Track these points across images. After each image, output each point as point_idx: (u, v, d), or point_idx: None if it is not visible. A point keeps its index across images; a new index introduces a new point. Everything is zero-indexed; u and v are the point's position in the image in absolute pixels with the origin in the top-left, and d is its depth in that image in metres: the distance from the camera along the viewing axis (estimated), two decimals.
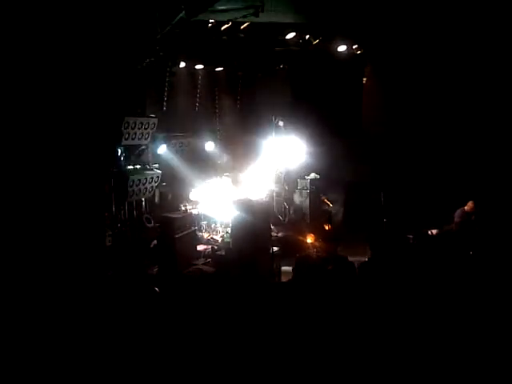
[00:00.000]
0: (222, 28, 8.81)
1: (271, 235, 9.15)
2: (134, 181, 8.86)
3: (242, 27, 8.87)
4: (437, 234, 8.56)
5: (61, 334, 3.94)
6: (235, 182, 10.98)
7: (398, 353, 3.63)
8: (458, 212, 9.28)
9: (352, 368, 3.51)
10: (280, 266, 8.03)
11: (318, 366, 3.50)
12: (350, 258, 5.42)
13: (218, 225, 10.26)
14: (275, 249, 8.28)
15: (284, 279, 7.53)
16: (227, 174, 11.23)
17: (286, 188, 11.73)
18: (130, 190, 8.81)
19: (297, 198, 11.41)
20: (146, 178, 9.24)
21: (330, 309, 3.88)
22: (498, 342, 3.76)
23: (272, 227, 9.71)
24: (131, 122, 8.75)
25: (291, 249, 9.03)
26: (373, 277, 4.59)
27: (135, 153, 9.31)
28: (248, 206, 8.23)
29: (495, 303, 4.12)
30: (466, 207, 9.25)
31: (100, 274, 6.62)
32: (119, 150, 8.96)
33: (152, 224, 9.49)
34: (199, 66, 11.34)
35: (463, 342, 3.75)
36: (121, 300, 4.04)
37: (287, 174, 11.76)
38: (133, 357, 3.51)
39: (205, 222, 10.29)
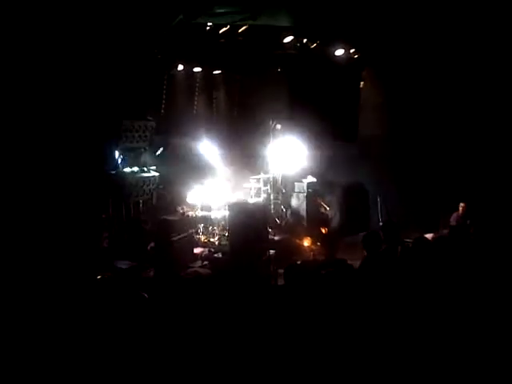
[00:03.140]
0: (220, 31, 8.86)
1: (268, 238, 9.19)
2: (131, 183, 8.87)
3: (239, 30, 8.93)
4: (432, 238, 8.58)
5: (46, 334, 3.89)
6: (233, 184, 10.99)
7: (393, 355, 3.65)
8: (454, 216, 9.33)
9: (347, 370, 3.52)
10: (277, 269, 8.04)
11: (314, 369, 3.51)
12: (349, 262, 5.44)
13: (216, 228, 10.28)
14: (272, 252, 8.30)
15: (280, 282, 7.54)
16: (225, 176, 11.23)
17: (283, 191, 11.75)
18: (128, 192, 8.82)
19: (294, 201, 11.42)
20: (144, 181, 9.25)
21: (325, 312, 3.90)
22: (496, 343, 3.78)
23: (269, 230, 9.74)
24: (129, 124, 8.77)
25: (288, 252, 9.06)
26: (369, 280, 4.61)
27: (133, 155, 9.32)
28: (245, 209, 8.27)
29: (492, 304, 4.15)
30: (459, 210, 9.31)
31: (92, 277, 6.59)
32: (117, 153, 8.98)
33: (149, 226, 9.50)
34: (197, 69, 11.36)
35: (461, 344, 3.77)
36: (108, 304, 4.00)
37: (284, 177, 11.78)
38: (122, 360, 3.49)
39: (202, 225, 10.30)
